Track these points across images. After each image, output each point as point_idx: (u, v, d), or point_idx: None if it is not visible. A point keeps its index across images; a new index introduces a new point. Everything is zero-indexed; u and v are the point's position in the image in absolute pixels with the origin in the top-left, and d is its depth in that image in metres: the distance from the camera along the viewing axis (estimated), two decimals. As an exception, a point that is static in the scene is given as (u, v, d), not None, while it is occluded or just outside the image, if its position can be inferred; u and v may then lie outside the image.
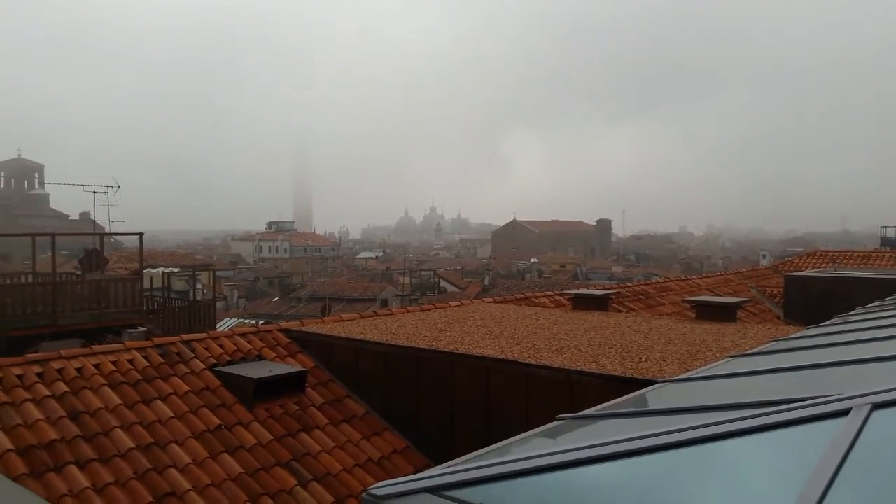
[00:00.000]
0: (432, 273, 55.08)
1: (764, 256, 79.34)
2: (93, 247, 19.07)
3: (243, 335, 7.85)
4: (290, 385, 6.92)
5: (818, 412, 2.33)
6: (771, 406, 2.53)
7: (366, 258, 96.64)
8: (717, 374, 4.15)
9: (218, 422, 6.18)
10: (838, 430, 2.13)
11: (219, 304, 24.44)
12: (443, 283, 51.82)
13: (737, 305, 9.63)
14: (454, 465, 2.49)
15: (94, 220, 23.19)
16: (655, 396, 3.86)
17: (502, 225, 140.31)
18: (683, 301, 11.61)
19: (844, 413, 2.26)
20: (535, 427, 3.08)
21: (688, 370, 5.32)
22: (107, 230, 21.86)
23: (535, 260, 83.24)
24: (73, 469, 5.21)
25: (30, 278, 17.89)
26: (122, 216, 21.58)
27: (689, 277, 17.14)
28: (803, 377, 3.45)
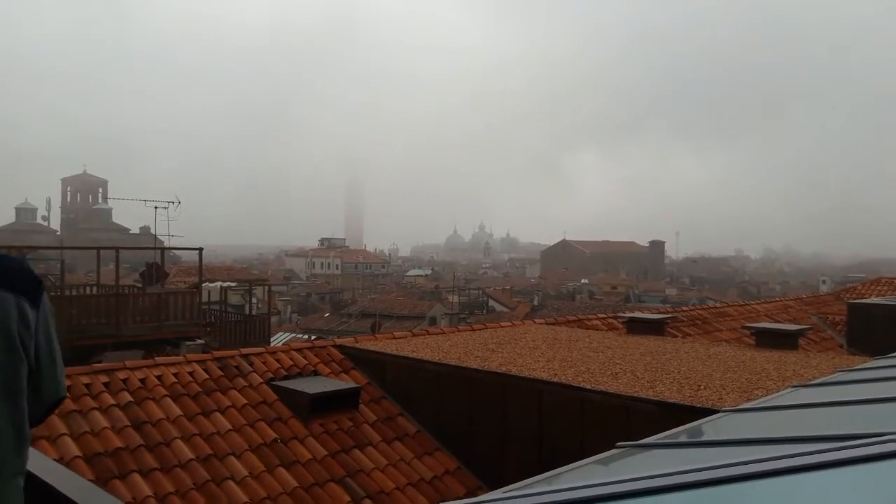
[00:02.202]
0: (481, 292, 55.02)
1: (824, 282, 77.06)
2: (153, 260, 19.64)
3: (299, 350, 7.99)
4: (344, 401, 7.00)
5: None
6: (844, 440, 2.45)
7: (415, 276, 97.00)
8: (782, 404, 4.03)
9: (274, 435, 6.29)
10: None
11: (273, 319, 24.87)
12: (491, 303, 51.73)
13: (799, 333, 9.35)
14: (513, 489, 2.48)
15: (154, 235, 23.98)
16: (717, 426, 3.77)
17: (552, 244, 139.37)
18: (742, 327, 11.32)
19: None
20: (589, 453, 3.04)
21: (749, 399, 5.19)
22: (166, 244, 22.55)
23: (586, 281, 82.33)
24: (137, 477, 5.36)
25: (94, 290, 18.58)
26: (182, 231, 22.25)
27: (747, 303, 16.70)
28: (877, 411, 3.32)
